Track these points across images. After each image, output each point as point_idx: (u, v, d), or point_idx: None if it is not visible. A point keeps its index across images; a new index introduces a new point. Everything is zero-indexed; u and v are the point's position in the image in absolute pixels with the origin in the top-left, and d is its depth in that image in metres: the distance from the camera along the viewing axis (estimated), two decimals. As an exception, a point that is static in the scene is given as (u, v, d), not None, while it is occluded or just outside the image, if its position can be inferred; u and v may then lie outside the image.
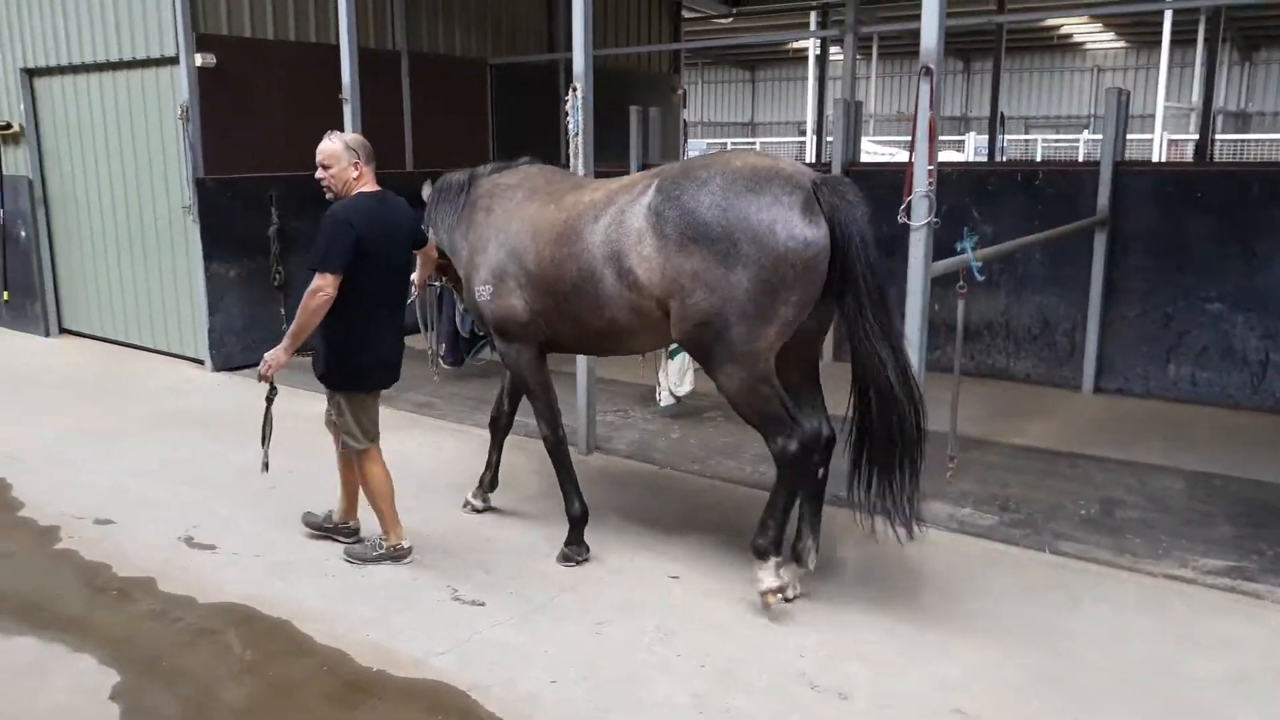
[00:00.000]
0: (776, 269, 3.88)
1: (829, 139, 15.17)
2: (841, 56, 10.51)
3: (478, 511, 5.50)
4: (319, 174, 4.56)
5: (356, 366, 4.63)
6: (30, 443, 6.67)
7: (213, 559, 4.94)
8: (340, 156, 4.51)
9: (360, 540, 4.99)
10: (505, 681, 3.78)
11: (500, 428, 5.50)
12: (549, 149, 11.71)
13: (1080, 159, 21.96)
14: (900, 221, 5.02)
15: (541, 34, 12.15)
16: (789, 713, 3.59)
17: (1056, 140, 26.93)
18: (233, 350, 8.79)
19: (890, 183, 8.73)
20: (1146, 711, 3.59)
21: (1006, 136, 20.07)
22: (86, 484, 5.88)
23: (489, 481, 5.52)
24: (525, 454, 6.36)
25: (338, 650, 4.04)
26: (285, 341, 4.45)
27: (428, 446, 6.67)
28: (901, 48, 29.47)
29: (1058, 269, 8.01)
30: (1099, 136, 11.52)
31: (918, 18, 4.92)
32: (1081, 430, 6.89)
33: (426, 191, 5.48)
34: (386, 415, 7.30)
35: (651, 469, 6.17)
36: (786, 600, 4.30)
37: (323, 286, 4.35)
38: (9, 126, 10.36)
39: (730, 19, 16.46)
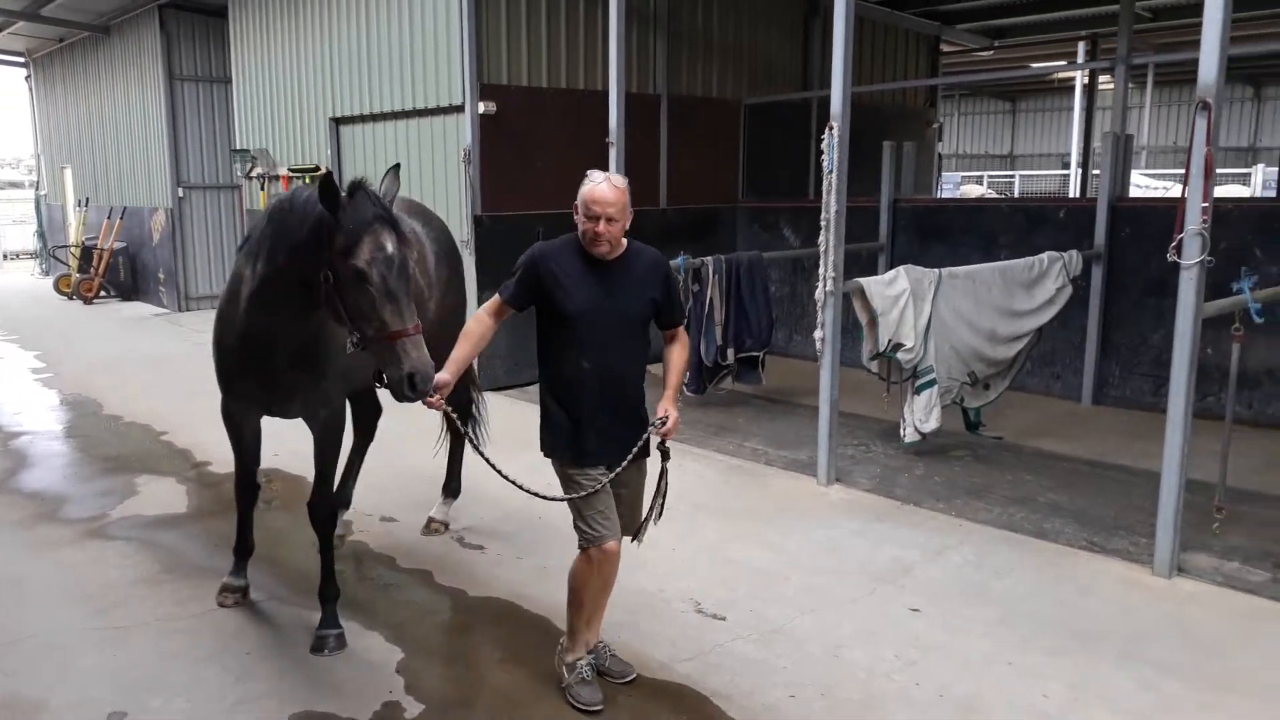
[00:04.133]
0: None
1: (1095, 172, 14.51)
2: (1112, 86, 10.08)
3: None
4: (600, 228, 3.63)
5: None
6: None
7: (482, 558, 5.44)
8: (627, 208, 3.69)
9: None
10: (746, 692, 3.96)
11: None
12: (798, 184, 11.93)
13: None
14: (1170, 260, 4.84)
15: (796, 73, 12.40)
16: (1031, 753, 3.56)
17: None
18: (498, 372, 9.51)
19: (1162, 219, 8.32)
20: None
21: (1302, 169, 18.29)
22: (374, 486, 6.57)
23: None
24: (749, 476, 6.53)
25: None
26: (675, 397, 3.88)
27: (672, 469, 6.95)
28: (1181, 75, 27.49)
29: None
30: None
31: (1198, 45, 4.74)
32: (1381, 490, 6.26)
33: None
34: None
35: (893, 503, 6.18)
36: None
37: None
38: (317, 169, 11.77)
39: (991, 51, 16.10)
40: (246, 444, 4.74)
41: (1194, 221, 4.77)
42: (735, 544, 5.55)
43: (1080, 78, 22.97)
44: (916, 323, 6.67)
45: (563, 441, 3.82)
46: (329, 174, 3.43)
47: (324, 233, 3.57)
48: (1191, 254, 4.79)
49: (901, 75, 13.67)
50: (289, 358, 4.18)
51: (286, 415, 4.55)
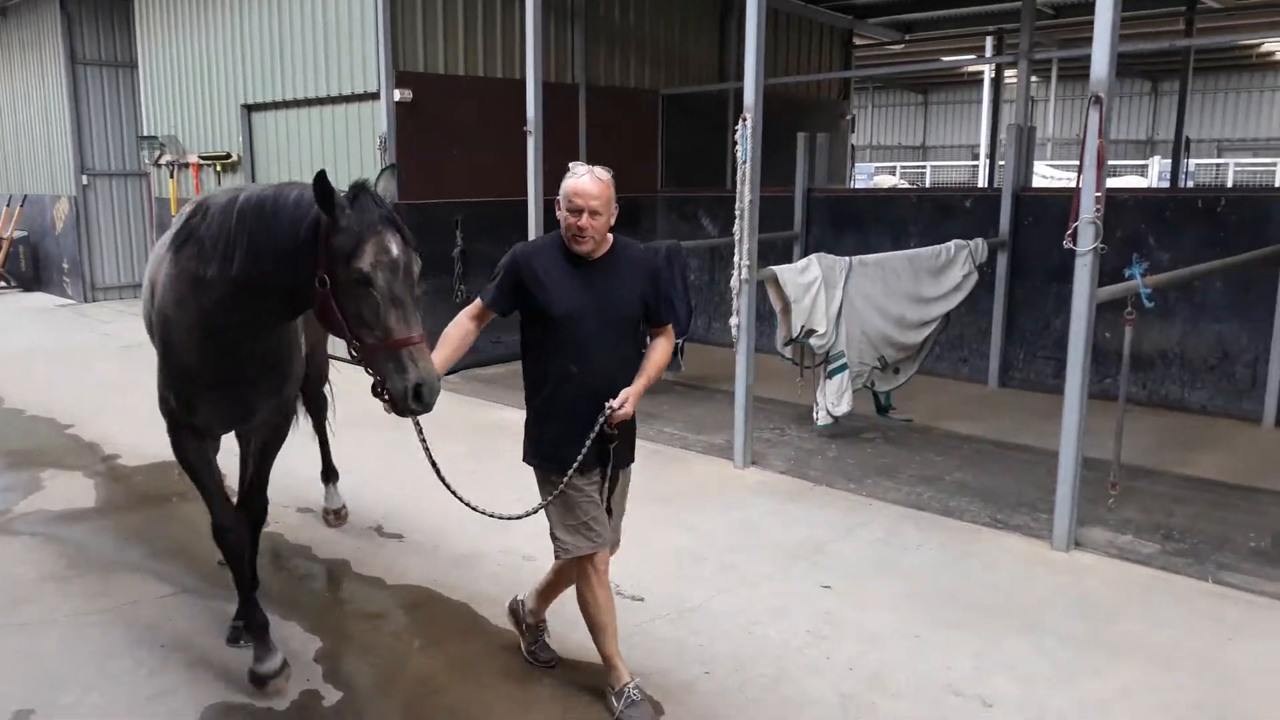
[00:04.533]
0: None
1: (1001, 163, 14.98)
2: (1017, 79, 10.48)
3: None
4: (583, 221, 3.49)
5: None
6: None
7: (400, 546, 5.44)
8: (611, 201, 3.56)
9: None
10: (663, 670, 4.06)
11: None
12: (716, 174, 12.08)
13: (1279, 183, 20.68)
14: (1066, 247, 5.06)
15: (713, 65, 12.53)
16: (932, 717, 3.73)
17: (1252, 164, 25.32)
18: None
19: (1063, 207, 8.60)
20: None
21: (1195, 160, 19.13)
22: (289, 478, 6.48)
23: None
24: (669, 461, 6.63)
25: (512, 632, 4.39)
26: (643, 389, 3.67)
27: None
28: (1083, 70, 28.39)
29: (1239, 298, 7.71)
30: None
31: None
32: (1259, 463, 6.64)
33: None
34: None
35: (807, 485, 6.34)
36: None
37: None
38: (229, 156, 11.53)
39: (902, 44, 16.44)
40: (214, 475, 4.18)
41: (1088, 210, 4.99)
42: (654, 527, 5.62)
43: (987, 71, 23.61)
44: (828, 309, 6.84)
45: (548, 449, 3.68)
46: (322, 172, 3.17)
47: (320, 235, 3.25)
48: (1086, 242, 5.02)
49: (815, 68, 13.91)
50: (260, 367, 3.88)
51: (245, 427, 4.20)
